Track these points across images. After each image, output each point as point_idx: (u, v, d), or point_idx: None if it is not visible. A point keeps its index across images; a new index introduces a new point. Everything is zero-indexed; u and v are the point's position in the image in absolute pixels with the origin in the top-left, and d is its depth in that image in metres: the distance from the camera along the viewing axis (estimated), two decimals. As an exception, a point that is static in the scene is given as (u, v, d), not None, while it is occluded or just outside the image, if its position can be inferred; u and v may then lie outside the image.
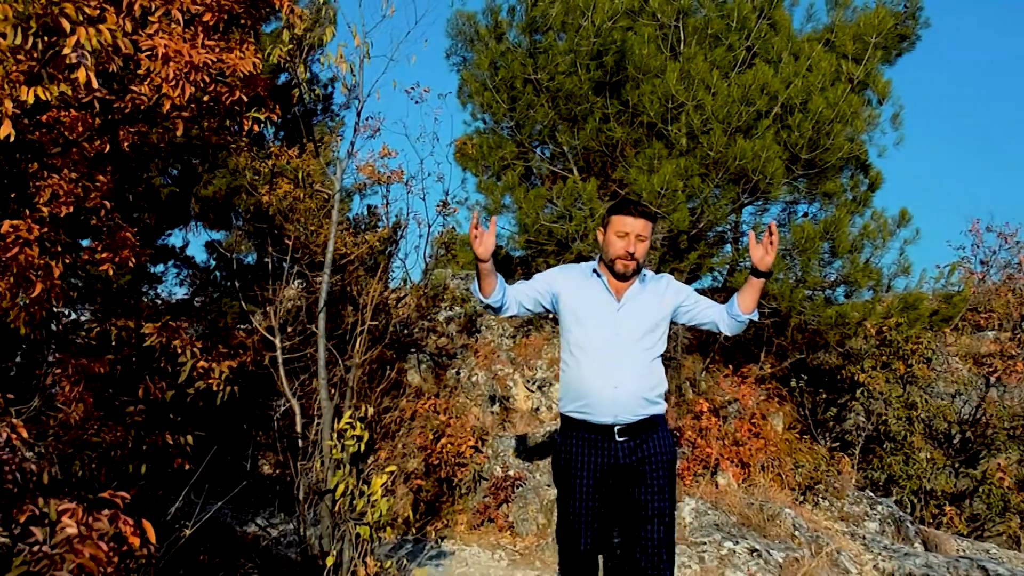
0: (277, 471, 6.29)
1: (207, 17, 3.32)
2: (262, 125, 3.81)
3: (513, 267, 7.76)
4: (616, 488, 3.20)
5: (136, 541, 1.81)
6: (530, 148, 7.21)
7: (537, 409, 6.72)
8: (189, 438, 3.14)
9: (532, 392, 6.81)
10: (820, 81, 6.37)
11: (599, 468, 3.18)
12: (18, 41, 2.71)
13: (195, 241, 18.80)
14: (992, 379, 6.82)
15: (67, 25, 2.70)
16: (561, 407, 3.34)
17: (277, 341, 3.97)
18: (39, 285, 3.10)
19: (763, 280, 3.22)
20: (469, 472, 5.59)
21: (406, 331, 7.47)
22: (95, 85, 2.76)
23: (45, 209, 3.31)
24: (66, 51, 2.74)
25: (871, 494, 5.69)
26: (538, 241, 6.55)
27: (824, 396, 6.90)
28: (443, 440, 5.58)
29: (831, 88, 6.40)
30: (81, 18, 2.74)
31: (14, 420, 1.92)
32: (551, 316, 3.68)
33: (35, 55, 2.80)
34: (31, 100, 2.71)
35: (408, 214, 7.16)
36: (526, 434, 6.03)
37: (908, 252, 6.73)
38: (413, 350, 7.22)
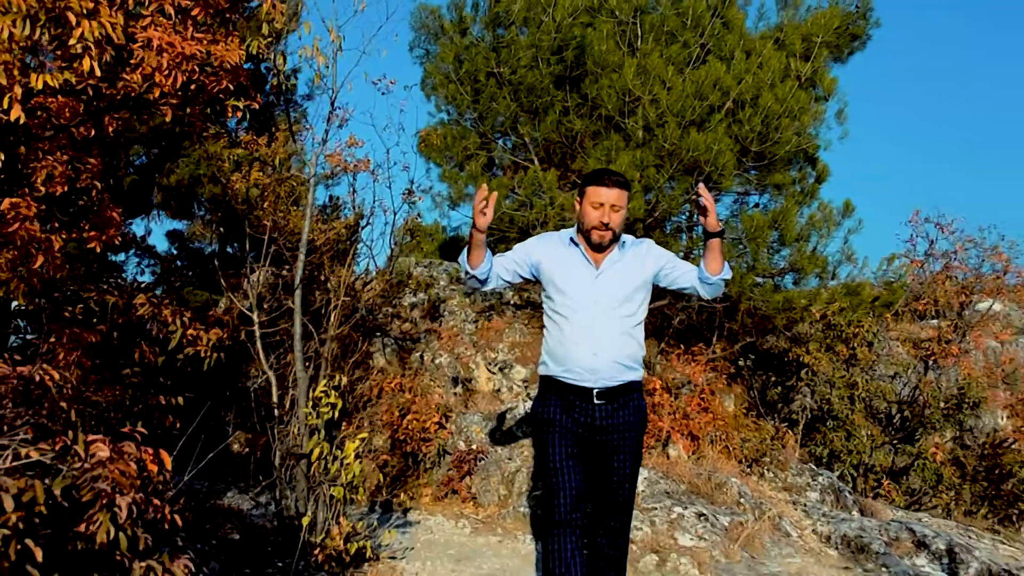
0: (247, 449, 6.57)
1: (195, 11, 3.62)
2: (241, 113, 4.11)
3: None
4: (590, 447, 3.35)
5: (155, 468, 2.12)
6: (492, 139, 7.54)
7: (498, 390, 7.05)
8: (180, 399, 3.43)
9: (494, 374, 7.15)
10: (770, 78, 6.77)
11: (576, 424, 3.31)
12: (27, 32, 2.98)
13: (157, 230, 18.88)
14: (930, 362, 7.29)
15: (73, 19, 2.99)
16: (541, 370, 3.47)
17: (255, 316, 4.27)
18: (40, 258, 3.37)
19: (717, 239, 3.33)
20: (434, 447, 5.92)
21: (371, 316, 7.75)
22: (98, 73, 3.05)
23: (42, 188, 3.59)
24: (72, 42, 3.02)
25: (813, 467, 6.12)
26: (500, 228, 6.89)
27: (772, 379, 7.32)
28: (409, 416, 5.91)
29: (780, 85, 6.80)
30: (85, 11, 3.03)
31: (45, 365, 2.22)
32: (532, 284, 3.88)
33: (43, 45, 3.08)
34: (40, 86, 3.00)
35: (374, 202, 7.41)
36: (489, 412, 6.37)
37: (852, 241, 7.17)
38: (378, 334, 7.52)
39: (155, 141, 7.69)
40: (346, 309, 5.18)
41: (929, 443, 6.71)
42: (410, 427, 5.84)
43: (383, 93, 6.36)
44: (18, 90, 3.03)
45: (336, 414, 4.13)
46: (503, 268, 3.42)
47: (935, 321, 8.18)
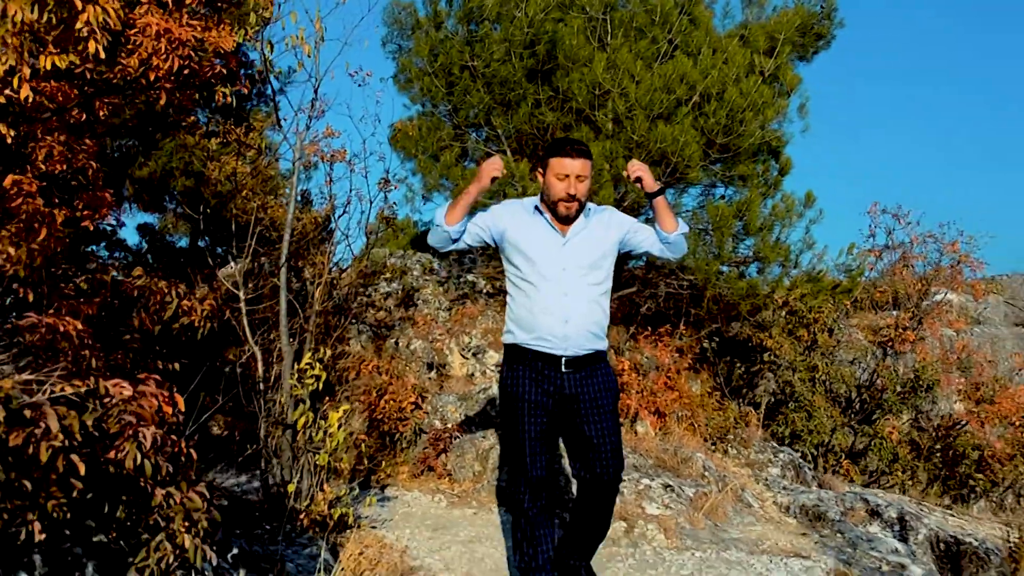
0: (226, 432, 6.78)
1: (189, 0, 3.85)
2: (230, 99, 4.34)
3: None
4: (563, 418, 3.42)
5: (169, 409, 2.36)
6: (466, 131, 7.80)
7: (472, 375, 7.31)
8: (177, 365, 3.65)
9: (467, 359, 7.40)
10: (734, 73, 7.08)
11: (545, 394, 3.37)
12: (35, 16, 3.21)
13: (130, 223, 18.90)
14: (888, 348, 7.65)
15: (79, 4, 3.22)
16: (507, 339, 3.52)
17: (241, 294, 4.49)
18: (43, 231, 3.59)
19: (661, 198, 3.45)
20: (410, 426, 6.17)
21: (347, 303, 7.98)
22: (102, 55, 3.28)
23: (42, 167, 3.80)
24: (78, 25, 3.25)
25: (775, 445, 6.45)
26: (473, 216, 7.14)
27: (738, 364, 7.64)
28: (386, 396, 6.15)
29: (744, 80, 7.12)
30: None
31: (68, 317, 2.44)
32: (489, 249, 3.89)
33: (50, 29, 3.30)
34: (48, 66, 3.22)
35: (351, 191, 7.65)
36: (463, 392, 6.63)
37: (814, 231, 7.53)
38: (354, 321, 7.75)
39: (135, 131, 7.86)
40: (327, 289, 5.41)
41: (887, 425, 7.06)
42: (387, 407, 6.08)
43: (359, 85, 6.58)
44: (26, 70, 3.25)
45: (320, 386, 4.37)
46: (469, 234, 3.48)
47: (895, 312, 8.55)
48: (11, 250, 3.54)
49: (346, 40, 5.05)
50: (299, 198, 8.33)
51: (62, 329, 2.39)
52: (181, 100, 4.18)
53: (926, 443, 7.15)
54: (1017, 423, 7.06)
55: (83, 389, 2.15)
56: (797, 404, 6.81)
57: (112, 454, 2.09)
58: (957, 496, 7.07)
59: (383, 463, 6.05)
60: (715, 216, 7.03)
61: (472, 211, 3.50)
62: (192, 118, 7.47)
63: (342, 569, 3.73)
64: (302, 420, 4.29)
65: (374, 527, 4.83)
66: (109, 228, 11.60)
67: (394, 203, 7.77)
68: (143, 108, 4.58)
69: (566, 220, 3.42)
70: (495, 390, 6.49)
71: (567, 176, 3.34)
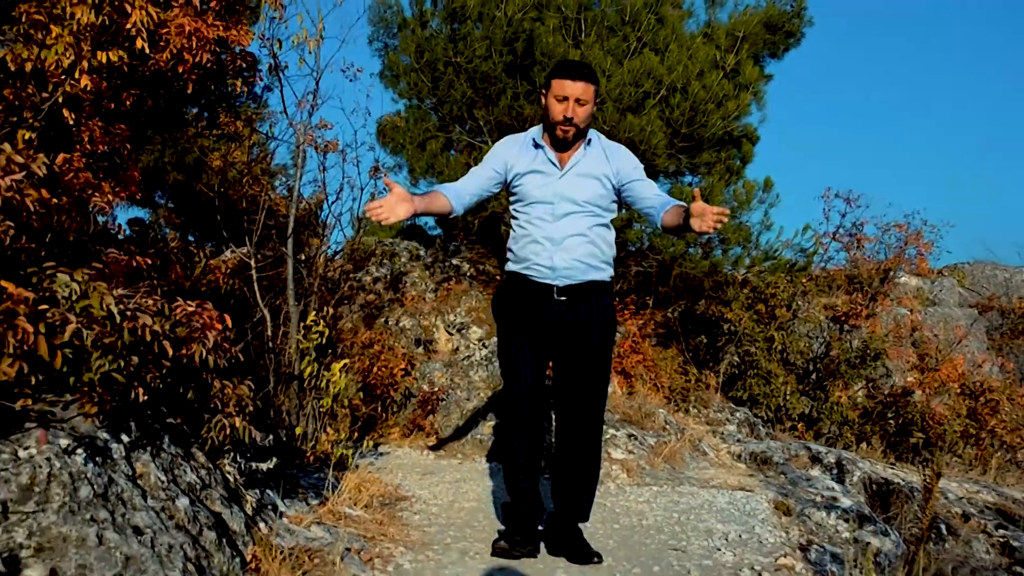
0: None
1: (213, 3, 4.60)
2: (247, 90, 5.08)
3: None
4: (552, 344, 3.51)
5: (220, 326, 3.09)
6: (450, 122, 8.55)
7: (456, 349, 8.05)
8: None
9: (452, 335, 8.15)
10: (698, 68, 7.86)
11: (539, 317, 3.47)
12: (92, 19, 3.95)
13: (121, 216, 19.52)
14: (843, 323, 8.45)
15: (128, 8, 3.96)
16: (507, 266, 3.63)
17: (252, 262, 5.23)
18: (93, 199, 4.33)
19: (686, 231, 3.16)
20: (400, 390, 6.90)
21: (338, 286, 8.71)
22: (148, 52, 4.02)
23: (88, 147, 4.53)
24: (128, 25, 4.00)
25: (732, 405, 7.22)
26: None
27: (703, 338, 8.42)
28: (378, 363, 6.88)
29: (708, 75, 7.90)
30: (139, 3, 4.01)
31: (138, 256, 3.16)
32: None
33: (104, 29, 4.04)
34: (105, 60, 3.96)
35: (343, 179, 8.37)
36: (449, 360, 7.38)
37: (772, 214, 8.31)
38: (346, 302, 8.48)
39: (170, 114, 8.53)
40: (326, 260, 6.15)
41: (838, 392, 7.84)
42: (380, 373, 6.81)
43: (351, 80, 7.32)
44: (85, 64, 3.99)
45: (324, 340, 5.11)
46: (475, 187, 3.51)
47: (852, 295, 9.36)
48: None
49: (343, 39, 5.78)
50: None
51: (135, 264, 3.12)
52: (206, 92, 4.91)
53: (876, 409, 7.92)
54: (956, 389, 7.85)
55: (158, 304, 2.89)
56: (756, 372, 7.59)
57: (183, 351, 2.83)
58: (905, 458, 7.85)
59: (376, 424, 6.78)
60: (680, 199, 7.79)
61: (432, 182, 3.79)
62: (193, 112, 8.19)
63: (345, 490, 4.45)
64: (308, 370, 5.01)
65: (370, 472, 5.56)
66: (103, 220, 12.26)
67: (384, 189, 8.51)
68: (161, 103, 5.29)
69: (564, 147, 3.44)
70: (478, 357, 7.23)
71: (566, 98, 3.32)
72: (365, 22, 8.84)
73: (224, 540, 2.78)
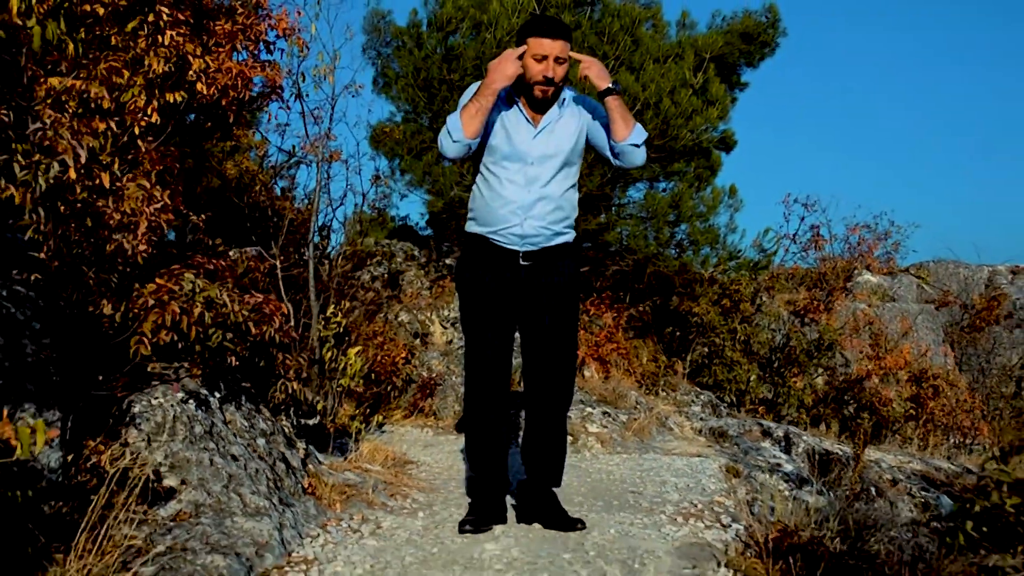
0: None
1: (251, 47, 5.68)
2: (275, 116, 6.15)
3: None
4: (521, 307, 3.58)
5: (281, 313, 4.17)
6: (445, 134, 9.64)
7: (451, 341, 9.14)
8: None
9: (447, 328, 9.24)
10: (669, 86, 8.97)
11: (502, 282, 3.52)
12: (164, 68, 5.02)
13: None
14: (803, 317, 9.58)
15: (190, 58, 5.04)
16: (468, 227, 3.67)
17: (278, 263, 6.30)
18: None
19: (612, 98, 3.39)
20: (402, 376, 7.99)
21: (339, 286, 9.78)
22: (208, 93, 5.11)
23: (148, 167, 5.60)
24: (190, 72, 5.08)
25: (698, 389, 8.34)
26: (451, 206, 9.00)
27: (676, 331, 9.53)
28: (380, 353, 7.96)
29: (678, 92, 9.01)
30: (198, 52, 5.09)
31: (215, 259, 4.23)
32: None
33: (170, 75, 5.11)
34: (172, 100, 5.04)
35: (346, 186, 9.44)
36: (445, 350, 8.47)
37: (737, 218, 9.45)
38: (347, 300, 9.56)
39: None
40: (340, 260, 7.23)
41: (795, 379, 8.97)
42: (384, 361, 7.89)
43: (353, 96, 8.39)
44: (155, 103, 5.07)
45: (341, 329, 6.19)
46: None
47: (812, 291, 10.53)
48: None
49: (356, 69, 6.84)
50: (307, 189, 10.19)
51: (211, 266, 4.20)
52: (242, 118, 5.99)
53: (832, 394, 9.05)
54: (905, 376, 9.00)
55: (236, 296, 3.97)
56: (720, 360, 8.71)
57: (255, 331, 3.91)
58: (858, 439, 8.97)
59: (382, 406, 7.87)
60: (652, 205, 8.92)
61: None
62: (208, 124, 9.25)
63: (363, 453, 5.53)
64: (328, 355, 6.09)
65: (380, 443, 6.64)
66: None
67: (385, 194, 9.60)
68: (207, 127, 6.33)
69: (540, 107, 3.45)
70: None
71: (545, 57, 3.31)
72: (360, 31, 9.86)
73: (289, 470, 3.87)
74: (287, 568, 3.17)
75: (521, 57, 3.37)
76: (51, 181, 3.00)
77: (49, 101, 3.78)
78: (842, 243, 12.77)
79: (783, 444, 7.09)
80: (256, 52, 5.71)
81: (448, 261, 10.60)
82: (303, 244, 8.67)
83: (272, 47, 5.95)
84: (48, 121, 3.08)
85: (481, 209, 3.60)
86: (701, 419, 7.57)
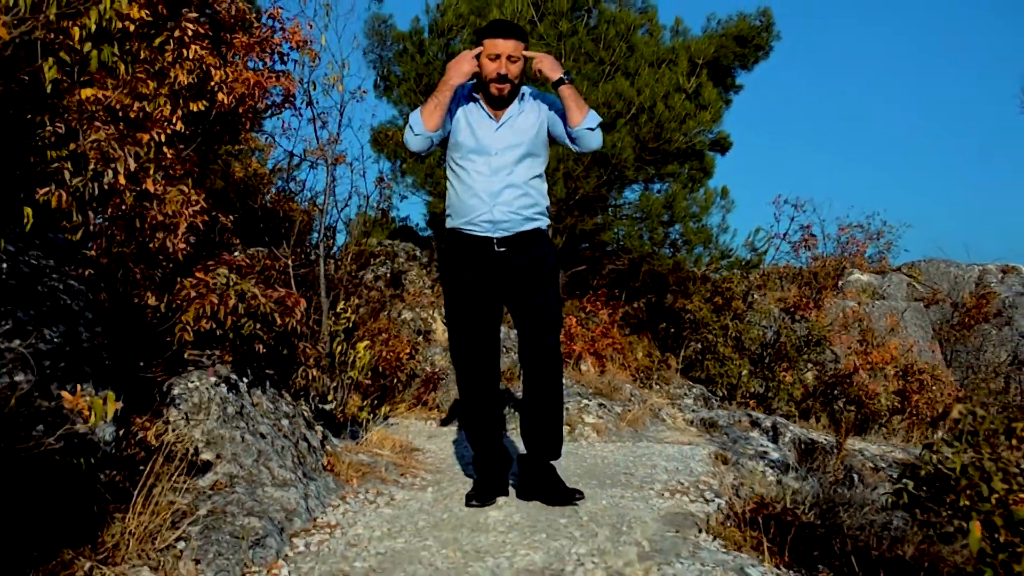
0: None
1: (266, 59, 6.11)
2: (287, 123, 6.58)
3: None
4: (502, 292, 3.81)
5: (299, 308, 4.60)
6: (446, 138, 10.08)
7: (453, 338, 9.58)
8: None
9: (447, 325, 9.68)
10: (663, 90, 9.41)
11: (482, 272, 3.75)
12: (188, 80, 5.45)
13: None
14: (793, 314, 10.02)
15: (213, 71, 5.47)
16: (447, 223, 3.90)
17: (289, 261, 6.73)
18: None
19: (565, 87, 3.62)
20: (406, 371, 8.42)
21: (343, 284, 10.21)
22: (227, 102, 5.54)
23: (171, 172, 6.03)
24: (211, 83, 5.51)
25: (690, 382, 8.78)
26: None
27: (670, 328, 9.97)
28: (385, 349, 8.39)
29: (671, 96, 9.45)
30: (218, 64, 5.51)
31: (239, 256, 4.65)
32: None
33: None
34: (193, 109, 5.47)
35: (351, 188, 9.88)
36: (446, 346, 8.91)
37: (729, 218, 9.90)
38: (353, 295, 10.00)
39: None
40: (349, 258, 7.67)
41: (785, 374, 9.41)
42: (388, 356, 8.32)
43: (358, 101, 8.82)
44: (180, 112, 5.50)
45: (351, 324, 6.62)
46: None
47: (803, 288, 10.98)
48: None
49: (363, 78, 7.27)
50: (310, 192, 10.64)
51: (239, 263, 4.63)
52: (254, 122, 6.42)
53: (820, 388, 9.49)
54: (892, 370, 9.43)
55: (261, 289, 4.40)
56: (713, 356, 9.14)
57: (280, 322, 4.34)
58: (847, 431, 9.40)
59: (387, 399, 8.30)
60: (647, 206, 9.36)
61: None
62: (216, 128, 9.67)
63: (372, 439, 5.96)
64: (339, 348, 6.51)
65: (386, 433, 7.07)
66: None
67: (389, 196, 10.04)
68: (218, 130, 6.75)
69: (499, 104, 3.70)
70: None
71: (498, 56, 3.57)
72: (361, 35, 10.32)
73: (310, 449, 4.31)
74: (314, 531, 3.61)
75: (479, 57, 3.66)
76: (105, 187, 3.43)
77: (86, 112, 4.22)
78: (834, 242, 13.26)
79: (771, 434, 7.53)
80: (271, 63, 6.14)
81: (449, 261, 11.05)
82: (309, 244, 9.13)
83: (286, 58, 6.38)
84: (104, 135, 3.50)
85: (454, 202, 3.84)
86: (693, 411, 8.00)
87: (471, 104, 3.77)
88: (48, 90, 3.35)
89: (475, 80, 3.78)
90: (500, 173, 3.71)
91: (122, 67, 3.63)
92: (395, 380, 8.47)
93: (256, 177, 9.51)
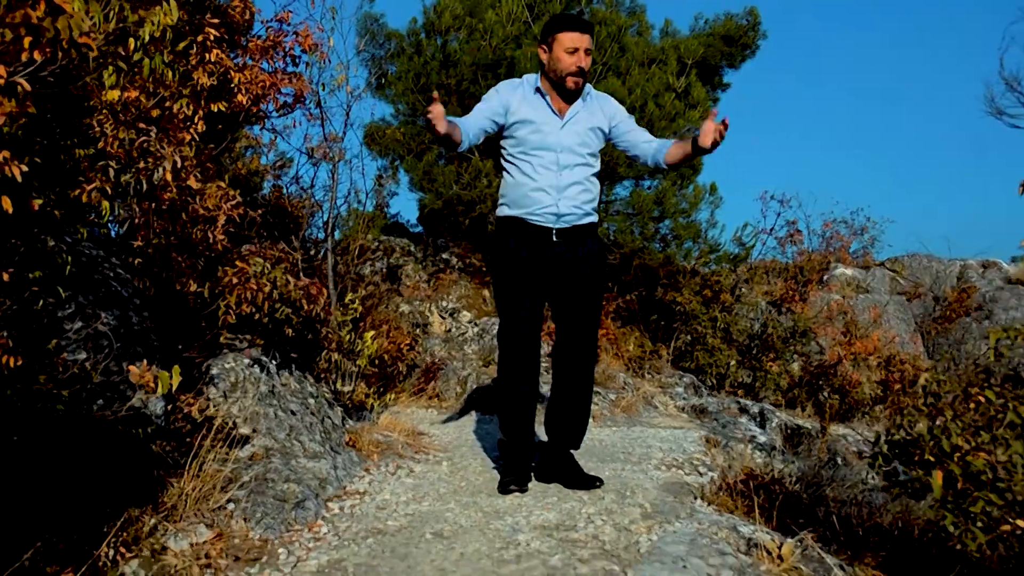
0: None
1: (280, 60, 6.50)
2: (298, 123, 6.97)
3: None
4: (550, 282, 3.90)
5: (320, 295, 4.99)
6: (442, 136, 10.47)
7: (449, 330, 9.98)
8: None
9: (445, 318, 10.07)
10: (653, 90, 9.82)
11: (535, 258, 3.85)
12: (212, 83, 5.83)
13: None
14: (780, 307, 10.46)
15: (233, 73, 5.86)
16: (500, 212, 3.98)
17: (298, 256, 7.12)
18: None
19: (698, 154, 3.67)
20: (407, 362, 8.81)
21: (346, 275, 10.58)
22: (246, 103, 5.92)
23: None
24: (232, 84, 5.90)
25: (681, 372, 9.21)
26: (451, 203, 9.83)
27: (661, 321, 10.40)
28: (387, 340, 8.77)
29: (662, 96, 9.86)
30: (238, 67, 5.89)
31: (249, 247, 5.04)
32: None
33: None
34: (214, 110, 5.85)
35: (350, 185, 10.26)
36: (445, 338, 9.31)
37: (717, 214, 10.32)
38: (359, 288, 10.38)
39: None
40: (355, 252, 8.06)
41: (771, 364, 9.85)
42: (390, 347, 8.71)
43: (355, 100, 9.19)
44: (201, 112, 5.88)
45: (358, 315, 7.00)
46: (478, 128, 3.83)
47: (788, 282, 11.44)
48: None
49: (368, 79, 7.69)
50: (312, 188, 11.03)
51: (270, 253, 5.02)
52: (268, 118, 6.81)
53: (806, 378, 9.93)
54: (875, 362, 9.89)
55: (287, 279, 4.79)
56: (702, 347, 9.57)
57: (307, 308, 4.73)
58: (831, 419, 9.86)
59: (389, 388, 8.69)
60: (638, 202, 9.78)
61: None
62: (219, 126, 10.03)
63: (381, 423, 6.35)
64: (347, 338, 6.90)
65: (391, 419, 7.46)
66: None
67: (387, 193, 10.42)
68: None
69: (568, 99, 3.80)
70: (470, 334, 9.16)
71: (576, 50, 3.65)
72: (353, 33, 10.68)
73: (334, 426, 4.71)
74: (345, 497, 4.01)
75: (551, 49, 3.80)
76: (155, 183, 3.81)
77: (131, 114, 4.59)
78: (819, 237, 13.75)
79: (758, 420, 7.96)
80: (284, 65, 6.52)
81: (444, 256, 11.43)
82: (308, 239, 9.50)
83: (297, 60, 6.77)
84: (153, 135, 3.89)
85: (514, 194, 3.94)
86: (684, 398, 8.43)
87: (536, 98, 3.86)
88: (105, 97, 3.75)
89: (539, 75, 3.92)
90: (566, 170, 3.86)
91: (169, 74, 3.99)
92: (396, 370, 8.86)
93: (258, 174, 9.88)
